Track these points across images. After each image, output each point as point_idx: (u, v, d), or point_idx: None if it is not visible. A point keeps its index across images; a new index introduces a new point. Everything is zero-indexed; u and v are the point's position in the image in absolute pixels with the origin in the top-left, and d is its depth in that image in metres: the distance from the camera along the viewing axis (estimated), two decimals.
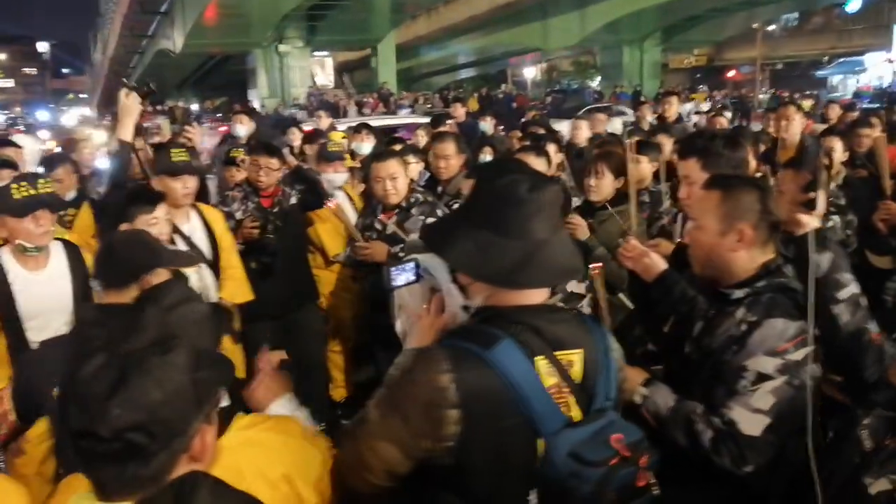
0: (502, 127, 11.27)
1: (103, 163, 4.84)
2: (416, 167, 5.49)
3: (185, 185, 3.79)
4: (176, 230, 3.72)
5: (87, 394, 1.11)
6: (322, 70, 38.74)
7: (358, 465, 1.58)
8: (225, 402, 1.65)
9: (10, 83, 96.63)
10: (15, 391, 2.33)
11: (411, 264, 1.85)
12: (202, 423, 1.23)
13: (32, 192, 3.15)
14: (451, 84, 45.65)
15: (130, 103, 3.60)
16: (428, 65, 51.61)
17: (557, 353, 1.58)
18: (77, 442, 1.13)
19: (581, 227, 3.78)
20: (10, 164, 4.87)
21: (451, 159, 4.81)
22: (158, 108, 32.28)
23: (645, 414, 2.09)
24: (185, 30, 33.97)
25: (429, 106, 25.19)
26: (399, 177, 4.02)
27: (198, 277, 3.72)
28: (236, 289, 4.00)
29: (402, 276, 1.82)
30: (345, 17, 32.83)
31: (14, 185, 3.14)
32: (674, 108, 8.66)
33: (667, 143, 5.37)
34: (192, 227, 3.91)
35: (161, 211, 3.33)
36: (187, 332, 1.34)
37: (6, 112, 58.99)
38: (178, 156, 3.80)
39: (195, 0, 31.37)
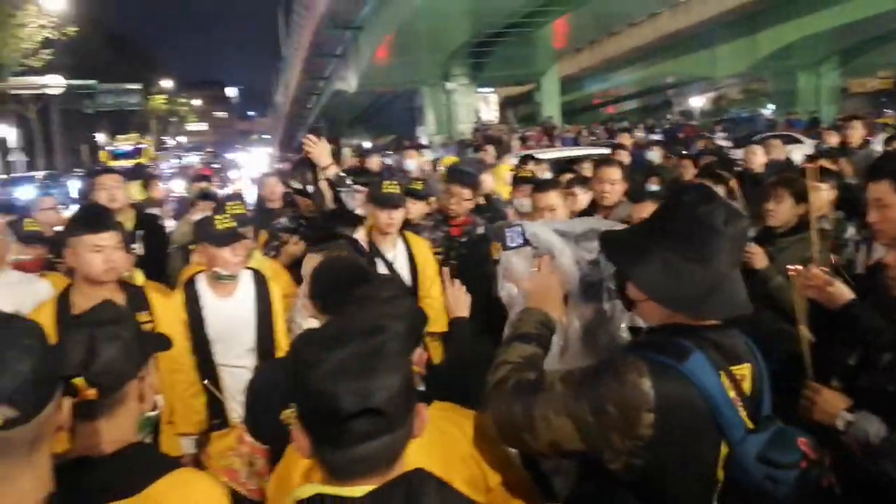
0: (670, 156, 11.08)
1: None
2: (584, 197, 5.51)
3: (389, 216, 4.02)
4: (379, 255, 3.98)
5: (347, 377, 1.22)
6: (487, 105, 39.56)
7: (522, 426, 1.63)
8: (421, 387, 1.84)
9: (203, 126, 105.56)
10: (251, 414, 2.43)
11: (518, 229, 1.93)
12: (416, 403, 1.33)
13: (233, 224, 3.47)
14: (614, 115, 45.24)
15: (322, 146, 4.16)
16: (591, 97, 51.42)
17: (732, 367, 1.66)
18: (345, 424, 1.22)
19: (758, 255, 3.67)
20: (210, 196, 5.36)
21: (615, 185, 4.79)
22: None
23: (847, 440, 2.03)
24: (359, 70, 35.85)
25: (593, 138, 25.08)
26: (558, 208, 4.04)
27: None
28: (433, 318, 4.10)
29: (514, 238, 1.90)
30: (509, 52, 33.46)
31: (218, 217, 3.48)
32: (858, 132, 8.19)
33: (846, 169, 5.10)
34: (396, 253, 4.12)
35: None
36: (398, 327, 1.49)
37: (199, 153, 64.48)
38: (388, 188, 4.06)
39: (368, 42, 33.10)
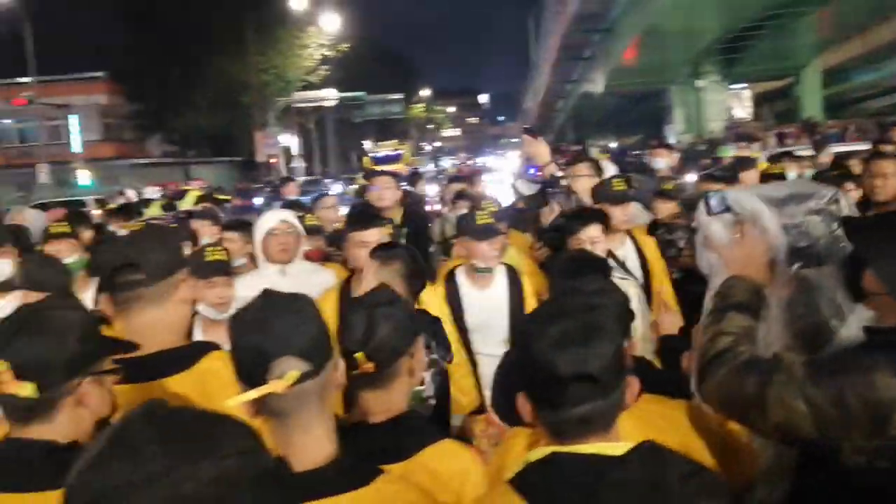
0: None
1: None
2: (854, 194, 5.16)
3: (623, 212, 4.11)
4: (611, 254, 3.99)
5: (567, 345, 1.38)
6: (739, 102, 37.62)
7: (752, 403, 1.61)
8: None
9: (457, 132, 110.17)
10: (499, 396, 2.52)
11: (721, 195, 1.89)
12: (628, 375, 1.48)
13: (491, 220, 3.75)
14: (885, 108, 40.81)
15: (539, 144, 4.35)
16: (859, 89, 46.79)
17: None
18: (564, 388, 1.37)
19: None
20: (467, 196, 5.82)
21: (889, 179, 4.55)
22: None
23: None
24: (607, 72, 35.71)
25: (858, 134, 22.98)
26: None
27: (636, 300, 4.05)
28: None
29: (717, 205, 1.87)
30: (765, 46, 31.57)
31: (478, 213, 3.80)
32: None
33: None
34: (626, 251, 4.17)
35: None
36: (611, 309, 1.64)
37: (452, 157, 67.54)
38: (618, 185, 4.17)
39: (616, 43, 32.87)
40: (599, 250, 3.63)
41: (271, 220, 3.95)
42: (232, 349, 1.50)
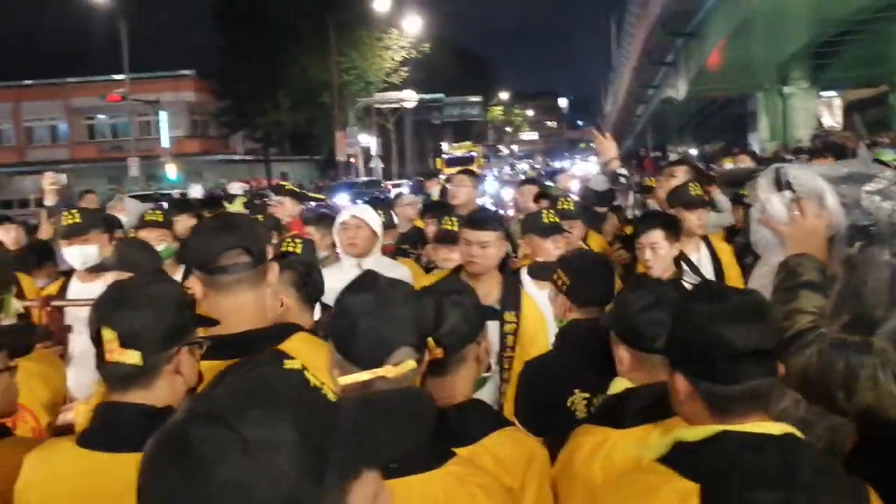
0: None
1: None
2: None
3: (699, 218, 4.12)
4: (684, 256, 4.02)
5: (739, 322, 1.45)
6: (829, 110, 36.33)
7: (840, 384, 1.63)
8: None
9: (534, 135, 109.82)
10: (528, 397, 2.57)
11: (781, 170, 1.89)
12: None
13: (556, 218, 3.83)
14: None
15: (607, 141, 4.44)
16: None
17: None
18: (738, 363, 1.43)
19: None
20: (548, 197, 5.85)
21: None
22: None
23: None
24: (689, 77, 35.02)
25: None
26: None
27: None
28: None
29: (775, 181, 1.88)
30: (857, 52, 30.36)
31: (545, 211, 3.87)
32: None
33: None
34: (700, 256, 4.16)
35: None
36: None
37: (529, 160, 67.39)
38: (694, 190, 4.16)
39: (699, 48, 32.21)
40: (660, 256, 3.63)
41: (344, 214, 4.10)
42: (342, 332, 1.58)
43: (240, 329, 2.00)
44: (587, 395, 2.36)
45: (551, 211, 3.88)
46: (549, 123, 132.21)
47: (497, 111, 72.75)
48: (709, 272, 4.13)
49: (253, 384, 0.84)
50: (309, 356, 1.80)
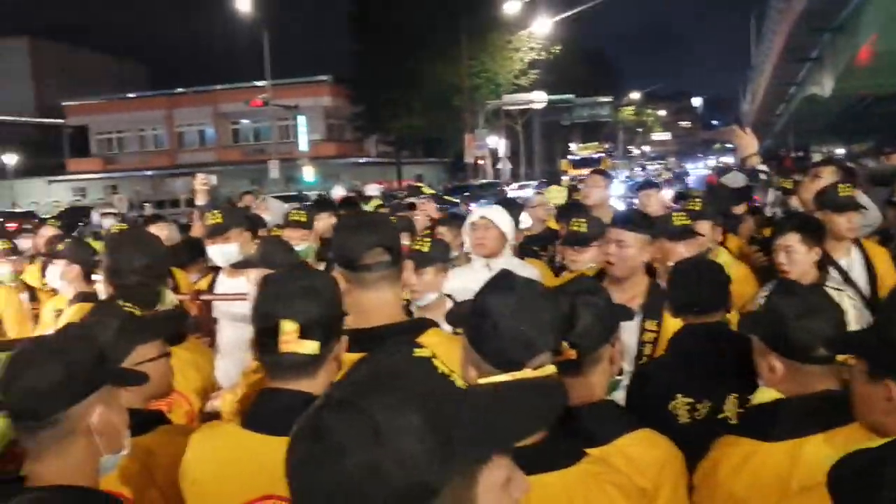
0: None
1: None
2: None
3: (849, 221, 3.90)
4: (832, 262, 3.85)
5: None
6: None
7: None
8: None
9: (667, 136, 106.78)
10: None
11: None
12: None
13: (688, 221, 3.68)
14: None
15: (749, 137, 4.44)
16: None
17: None
18: None
19: None
20: (685, 198, 5.74)
21: None
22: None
23: None
24: (836, 74, 33.15)
25: None
26: None
27: (852, 312, 3.63)
28: None
29: None
30: None
31: (675, 214, 3.67)
32: None
33: None
34: (851, 261, 3.95)
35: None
36: None
37: (661, 162, 65.64)
38: (844, 191, 3.93)
39: (848, 43, 30.41)
40: (795, 260, 3.47)
41: (474, 215, 4.17)
42: (482, 332, 1.59)
43: (378, 323, 2.10)
44: (690, 399, 2.34)
45: (682, 213, 3.75)
46: (682, 124, 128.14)
47: (628, 111, 71.26)
48: (861, 277, 3.92)
49: (383, 372, 0.89)
50: (442, 351, 1.89)
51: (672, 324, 3.20)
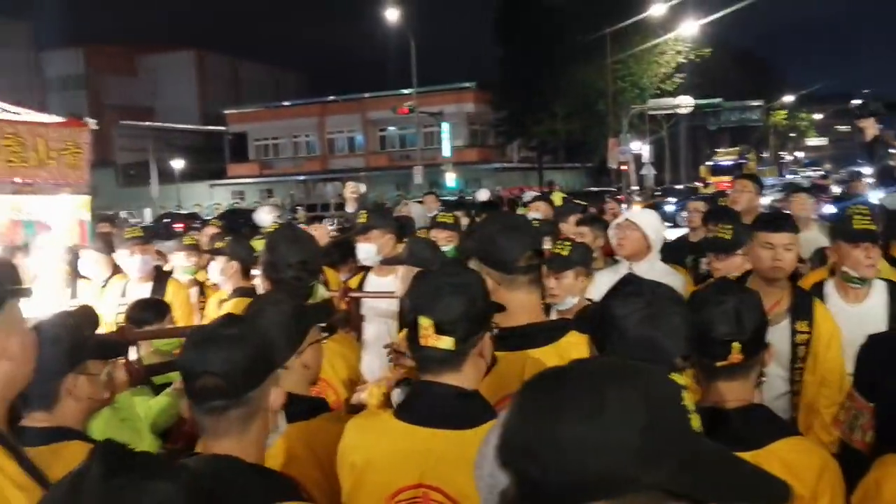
0: None
1: None
2: None
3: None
4: None
5: None
6: None
7: None
8: None
9: (822, 141, 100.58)
10: None
11: None
12: None
13: (872, 226, 3.32)
14: None
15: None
16: None
17: None
18: None
19: None
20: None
21: None
22: None
23: None
24: None
25: None
26: None
27: None
28: None
29: None
30: None
31: (857, 216, 3.34)
32: None
33: None
34: None
35: None
36: None
37: (815, 168, 61.99)
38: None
39: None
40: None
41: (621, 217, 4.20)
42: (611, 338, 1.61)
43: (521, 323, 2.15)
44: None
45: (864, 216, 3.40)
46: (840, 128, 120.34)
47: (780, 115, 67.70)
48: None
49: (635, 369, 0.92)
50: (581, 352, 1.92)
51: (825, 324, 3.15)
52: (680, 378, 0.95)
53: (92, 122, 3.80)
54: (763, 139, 63.89)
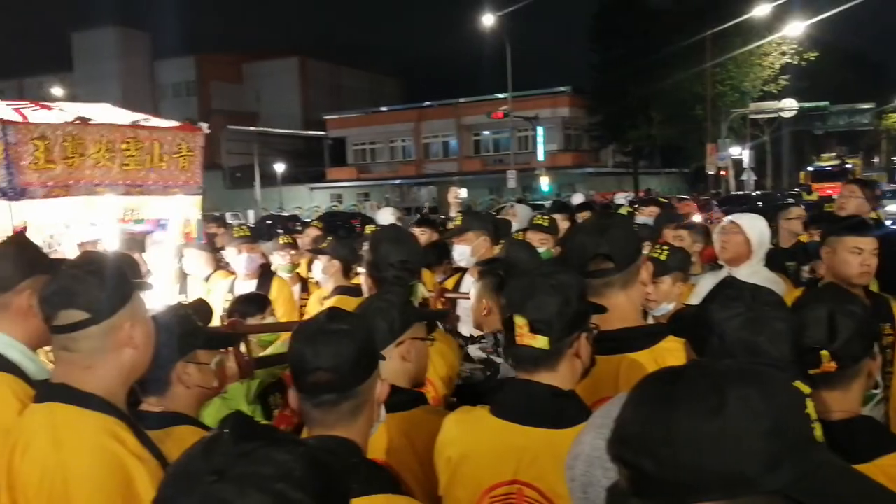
0: None
1: None
2: None
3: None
4: None
5: None
6: None
7: None
8: None
9: None
10: None
11: None
12: None
13: None
14: None
15: None
16: None
17: None
18: None
19: None
20: None
21: None
22: None
23: None
24: None
25: None
26: None
27: None
28: None
29: None
30: None
31: None
32: None
33: None
34: None
35: None
36: None
37: None
38: None
39: None
40: None
41: (726, 219, 4.12)
42: (711, 345, 1.59)
43: (616, 326, 2.14)
44: None
45: None
46: None
47: (893, 119, 64.14)
48: None
49: (758, 372, 0.91)
50: (679, 358, 1.90)
51: None
52: (803, 386, 0.93)
53: (204, 126, 4.00)
54: (874, 144, 60.73)
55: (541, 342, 1.78)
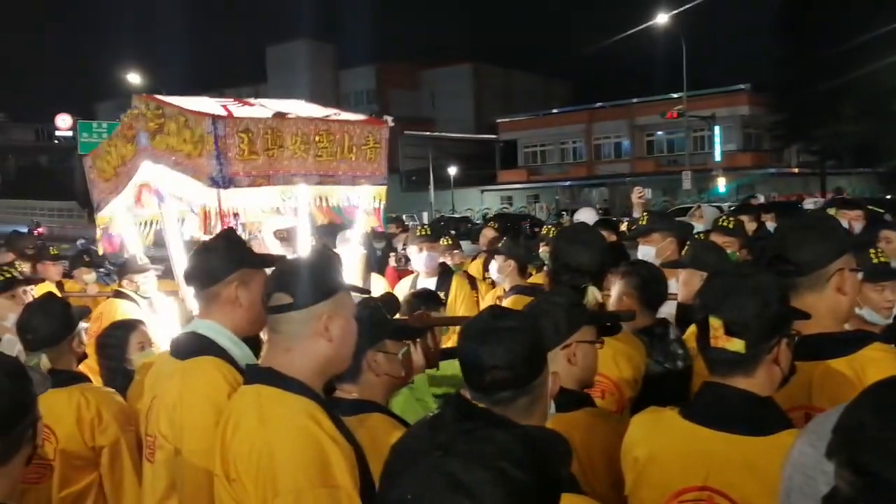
0: None
1: None
2: None
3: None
4: None
5: None
6: None
7: None
8: None
9: None
10: None
11: None
12: None
13: None
14: None
15: None
16: None
17: None
18: None
19: None
20: None
21: None
22: None
23: None
24: None
25: None
26: None
27: None
28: None
29: None
30: None
31: None
32: None
33: None
34: None
35: None
36: None
37: None
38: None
39: None
40: None
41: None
42: None
43: (811, 332, 2.02)
44: None
45: None
46: None
47: None
48: None
49: None
50: (886, 367, 1.82)
51: None
52: None
53: (389, 119, 4.15)
54: None
55: (736, 345, 1.73)
